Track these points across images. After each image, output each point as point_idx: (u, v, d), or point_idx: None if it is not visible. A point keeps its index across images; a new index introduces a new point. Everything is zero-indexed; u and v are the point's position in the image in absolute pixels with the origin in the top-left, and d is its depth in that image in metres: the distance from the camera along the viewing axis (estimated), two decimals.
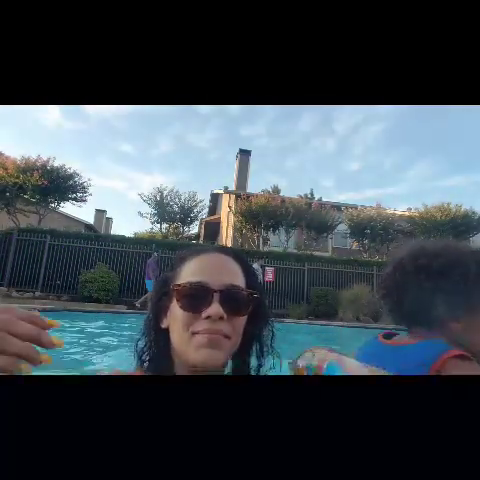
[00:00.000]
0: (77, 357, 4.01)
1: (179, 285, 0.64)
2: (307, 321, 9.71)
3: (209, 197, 20.19)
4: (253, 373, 0.70)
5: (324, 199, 21.60)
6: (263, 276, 11.15)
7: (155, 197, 16.42)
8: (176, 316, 0.64)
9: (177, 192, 16.76)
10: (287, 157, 60.64)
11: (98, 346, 4.76)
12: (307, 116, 53.61)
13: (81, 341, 4.92)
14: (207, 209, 19.60)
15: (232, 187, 18.98)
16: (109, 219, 32.09)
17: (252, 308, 0.66)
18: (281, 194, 18.63)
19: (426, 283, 0.71)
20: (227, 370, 0.69)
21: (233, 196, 17.08)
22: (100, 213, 30.02)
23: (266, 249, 14.05)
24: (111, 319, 7.22)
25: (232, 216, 16.28)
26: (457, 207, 14.88)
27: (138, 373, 0.63)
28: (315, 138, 57.07)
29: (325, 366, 0.61)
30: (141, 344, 0.69)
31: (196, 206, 17.07)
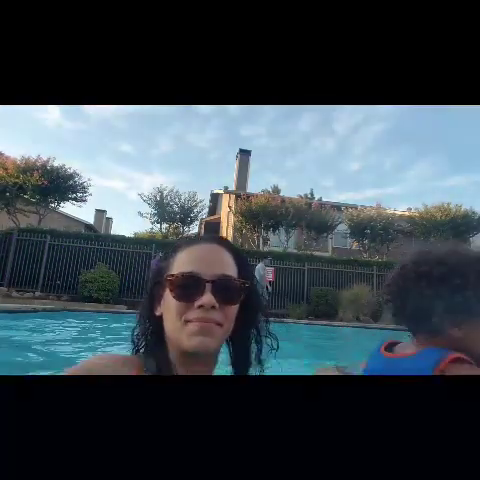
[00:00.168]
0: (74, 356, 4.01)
1: (172, 275, 0.66)
2: (307, 321, 9.71)
3: (209, 197, 20.21)
4: (254, 357, 0.73)
5: (324, 199, 21.61)
6: (270, 275, 11.15)
7: (155, 197, 16.41)
8: (169, 305, 0.66)
9: (177, 192, 16.75)
10: (287, 157, 60.61)
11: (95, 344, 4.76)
12: (307, 116, 53.58)
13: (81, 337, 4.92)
14: (207, 209, 19.59)
15: (232, 187, 18.99)
16: (109, 219, 32.09)
17: (244, 296, 0.69)
18: (281, 194, 18.63)
19: (427, 290, 0.72)
20: (228, 356, 0.73)
21: (233, 196, 17.09)
22: (100, 213, 30.02)
23: (266, 249, 14.04)
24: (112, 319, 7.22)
25: (232, 216, 16.29)
26: (457, 207, 14.88)
27: (135, 372, 0.63)
28: (315, 138, 57.04)
29: None
30: (137, 331, 0.72)
31: (196, 206, 17.06)
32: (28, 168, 12.31)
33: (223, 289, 0.65)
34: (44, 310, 7.14)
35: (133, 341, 0.72)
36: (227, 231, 17.40)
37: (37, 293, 10.33)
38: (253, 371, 0.73)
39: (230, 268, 0.69)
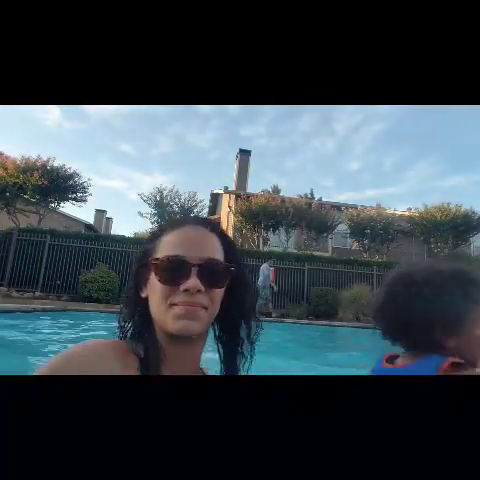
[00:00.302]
0: None
1: (157, 259, 0.65)
2: (307, 321, 9.71)
3: (209, 197, 20.19)
4: (244, 336, 0.73)
5: (324, 199, 21.60)
6: (272, 275, 11.15)
7: (155, 197, 16.41)
8: (155, 288, 0.65)
9: (177, 192, 16.75)
10: (287, 157, 60.62)
11: None
12: (307, 116, 53.57)
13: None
14: (207, 209, 19.58)
15: (232, 187, 18.98)
16: (109, 219, 32.08)
17: (230, 279, 0.68)
18: (281, 194, 18.63)
19: (419, 309, 0.77)
20: (215, 337, 0.74)
21: (233, 196, 17.08)
22: (100, 213, 30.01)
23: (266, 249, 14.04)
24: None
25: (232, 216, 16.28)
26: (457, 207, 14.86)
27: (122, 356, 0.62)
28: (315, 138, 57.03)
29: None
30: (123, 315, 0.71)
31: (196, 206, 17.06)
32: (28, 168, 12.30)
33: (209, 273, 0.64)
34: (44, 310, 7.14)
35: (120, 325, 0.70)
36: (227, 231, 17.37)
37: (37, 293, 10.32)
38: (245, 351, 0.73)
39: (216, 251, 0.68)
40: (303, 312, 10.87)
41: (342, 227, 15.45)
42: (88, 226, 22.88)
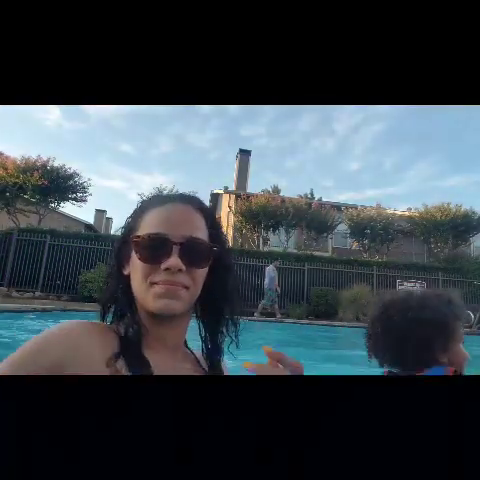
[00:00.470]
0: None
1: (138, 237, 0.63)
2: (307, 321, 9.70)
3: (209, 197, 20.19)
4: (227, 317, 0.72)
5: (324, 199, 21.55)
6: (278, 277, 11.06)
7: None
8: (136, 266, 0.64)
9: (177, 192, 16.75)
10: (287, 157, 60.59)
11: None
12: (307, 116, 53.55)
13: None
14: None
15: (232, 187, 18.99)
16: (109, 219, 32.07)
17: (214, 260, 0.66)
18: (281, 194, 18.61)
19: (419, 332, 0.87)
20: (197, 317, 0.73)
21: (233, 196, 17.08)
22: (100, 213, 30.01)
23: (266, 249, 14.04)
24: None
25: (232, 216, 16.28)
26: (457, 207, 14.87)
27: (102, 336, 0.61)
28: (315, 138, 57.01)
29: None
30: (105, 293, 0.69)
31: None
32: (28, 168, 12.30)
33: (191, 252, 0.63)
34: (44, 310, 7.14)
35: (102, 304, 0.69)
36: (227, 231, 17.40)
37: (37, 293, 10.32)
38: (229, 331, 0.72)
39: (200, 230, 0.66)
40: (303, 312, 10.86)
41: (342, 227, 15.46)
42: (88, 226, 22.87)
